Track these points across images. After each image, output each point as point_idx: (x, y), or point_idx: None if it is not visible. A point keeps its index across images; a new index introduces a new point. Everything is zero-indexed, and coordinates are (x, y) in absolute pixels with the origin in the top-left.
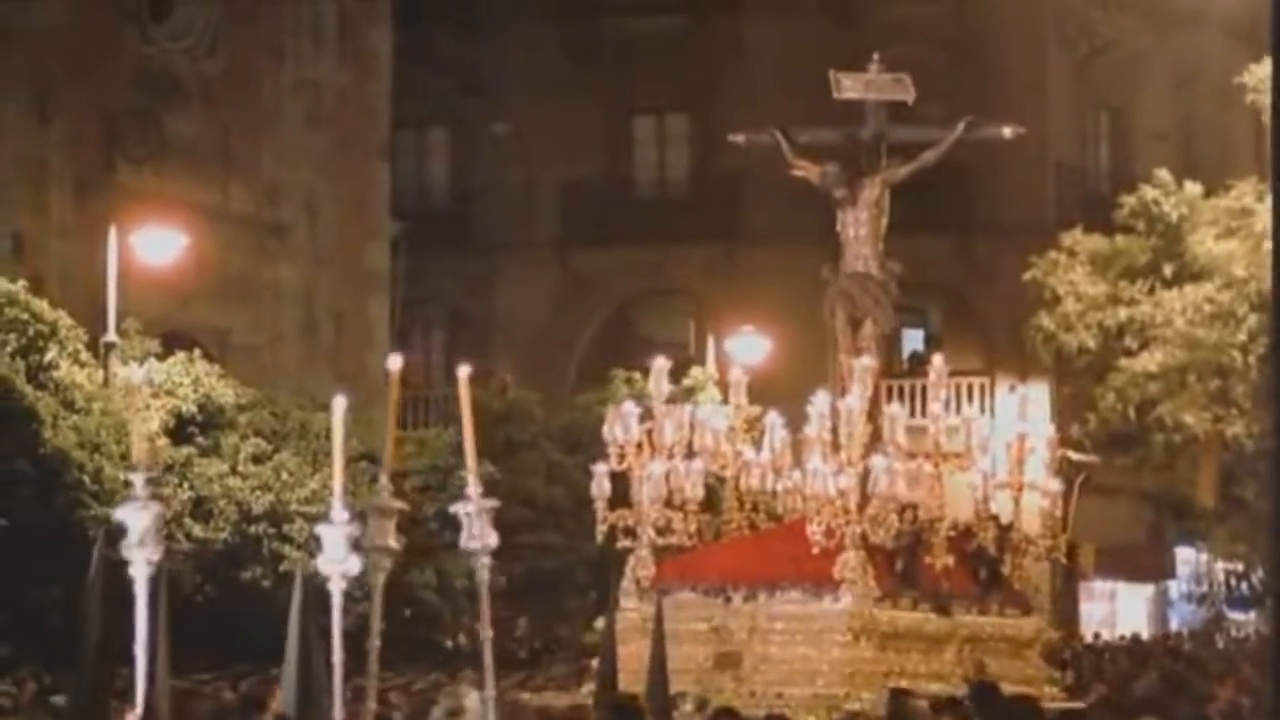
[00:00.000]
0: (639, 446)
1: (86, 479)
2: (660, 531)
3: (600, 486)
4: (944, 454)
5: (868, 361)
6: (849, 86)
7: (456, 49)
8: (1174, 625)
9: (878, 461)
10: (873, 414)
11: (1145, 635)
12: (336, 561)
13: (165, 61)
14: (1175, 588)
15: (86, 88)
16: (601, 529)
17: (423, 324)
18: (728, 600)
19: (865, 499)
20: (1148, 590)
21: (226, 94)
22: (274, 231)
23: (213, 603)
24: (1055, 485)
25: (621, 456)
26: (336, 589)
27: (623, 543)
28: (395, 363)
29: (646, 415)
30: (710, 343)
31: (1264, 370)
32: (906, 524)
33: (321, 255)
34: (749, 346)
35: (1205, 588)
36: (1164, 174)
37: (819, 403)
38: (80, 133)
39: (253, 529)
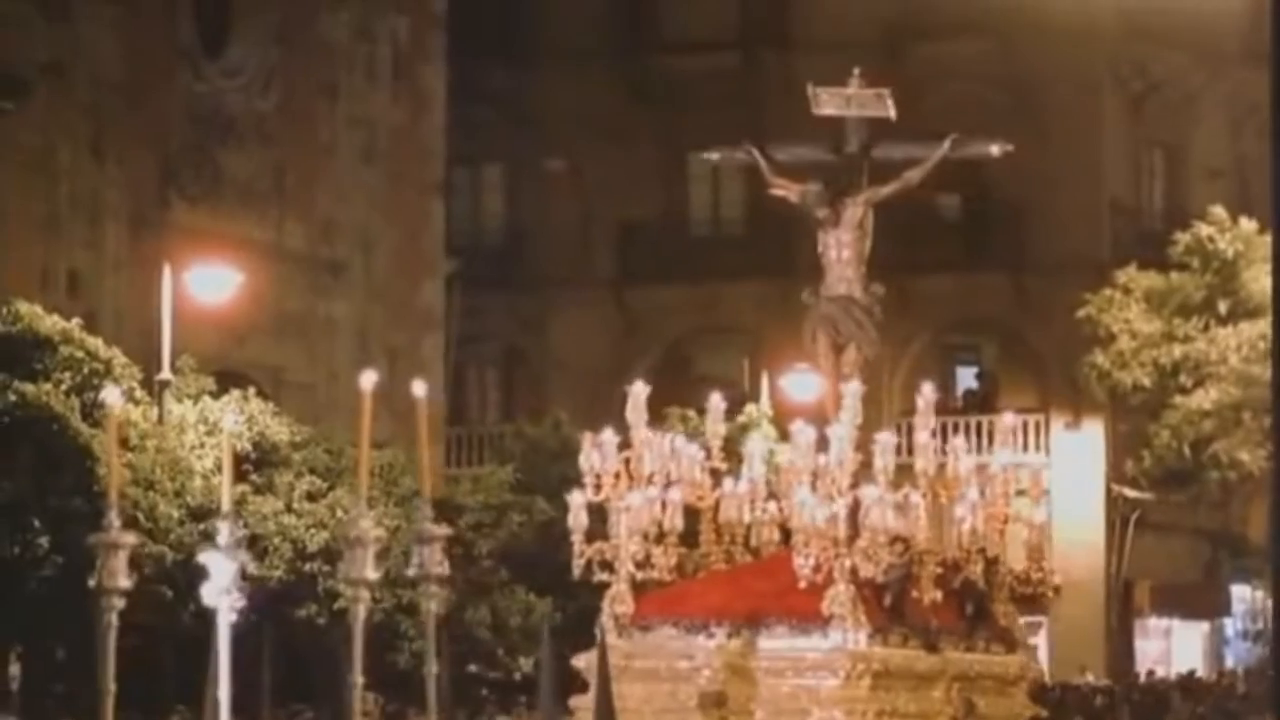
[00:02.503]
0: (616, 476)
1: (141, 516)
2: (640, 565)
3: (577, 518)
4: (933, 485)
5: (856, 388)
6: (827, 101)
7: (511, 86)
8: (1229, 663)
9: (869, 492)
10: (862, 443)
11: (1201, 673)
12: (221, 591)
13: (219, 99)
14: (1231, 625)
15: (141, 125)
16: (578, 563)
17: (477, 361)
18: (710, 636)
19: (855, 531)
20: (1203, 628)
21: (281, 131)
22: (328, 268)
23: (268, 641)
24: (1040, 517)
25: (598, 486)
26: (224, 621)
27: (600, 577)
28: (368, 380)
29: (625, 444)
30: (765, 380)
31: None
32: (896, 557)
33: (376, 292)
34: (803, 384)
35: (1261, 625)
36: (1219, 210)
37: (801, 432)
38: (135, 170)
39: (308, 567)
